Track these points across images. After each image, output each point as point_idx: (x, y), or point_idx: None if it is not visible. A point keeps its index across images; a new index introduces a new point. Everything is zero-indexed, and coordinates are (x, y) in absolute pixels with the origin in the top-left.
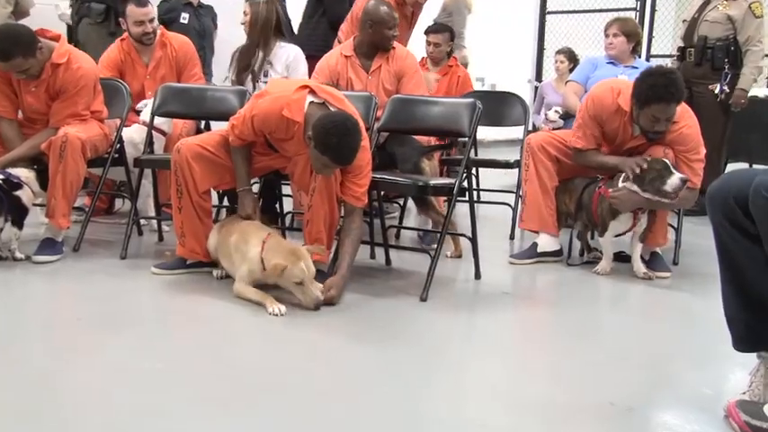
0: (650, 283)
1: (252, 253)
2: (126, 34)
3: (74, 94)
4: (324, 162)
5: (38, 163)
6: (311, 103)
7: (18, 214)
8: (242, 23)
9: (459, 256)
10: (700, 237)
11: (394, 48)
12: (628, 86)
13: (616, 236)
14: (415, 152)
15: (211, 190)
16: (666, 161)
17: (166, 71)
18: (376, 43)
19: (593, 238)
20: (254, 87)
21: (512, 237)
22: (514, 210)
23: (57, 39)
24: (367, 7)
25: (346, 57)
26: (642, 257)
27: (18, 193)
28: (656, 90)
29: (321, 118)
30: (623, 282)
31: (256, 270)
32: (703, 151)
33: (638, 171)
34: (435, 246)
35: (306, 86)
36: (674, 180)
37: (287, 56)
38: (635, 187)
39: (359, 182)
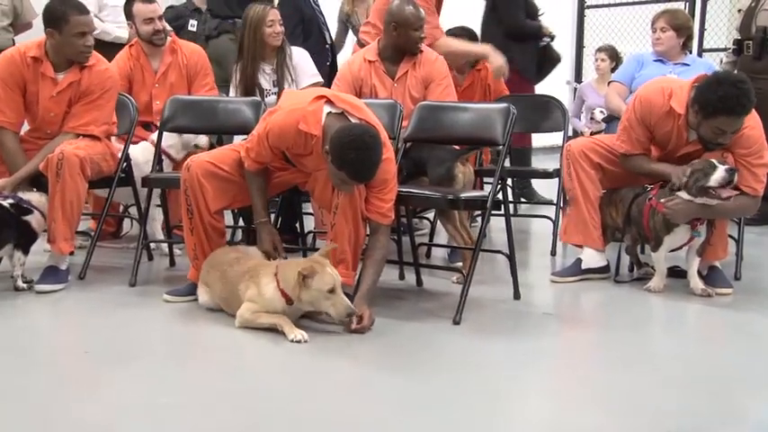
0: (709, 302)
1: (268, 292)
2: (135, 41)
3: (98, 98)
4: (341, 178)
5: (37, 185)
6: (329, 113)
7: (26, 239)
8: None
9: (460, 283)
10: (764, 249)
11: (422, 51)
12: (681, 87)
13: (671, 251)
14: (448, 156)
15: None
16: (712, 160)
17: (176, 79)
18: (401, 47)
19: (643, 251)
20: (264, 104)
21: (553, 253)
22: (555, 223)
23: None
24: (391, 8)
25: (370, 62)
26: (699, 273)
27: (28, 218)
28: (726, 102)
29: (338, 131)
30: (678, 300)
31: (278, 306)
32: (767, 155)
33: (684, 180)
34: (461, 263)
35: (322, 96)
36: (719, 173)
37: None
38: (686, 195)
39: (384, 197)
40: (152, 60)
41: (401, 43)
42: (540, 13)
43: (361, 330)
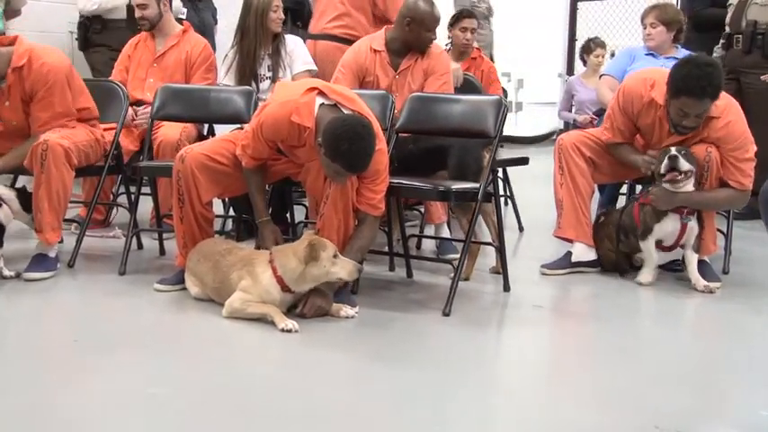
0: (698, 296)
1: (265, 280)
2: None
3: (46, 94)
4: (335, 169)
5: (20, 172)
6: (321, 105)
7: None
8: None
9: (467, 279)
10: (752, 243)
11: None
12: (664, 77)
13: (667, 248)
14: (473, 144)
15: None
16: (670, 148)
17: (173, 63)
18: (410, 43)
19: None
20: (258, 92)
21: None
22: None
23: (13, 42)
24: (408, 2)
25: (375, 51)
26: (687, 267)
27: None
28: (687, 82)
29: (331, 122)
30: (667, 293)
31: (275, 294)
32: (753, 149)
33: (652, 168)
34: (452, 255)
35: (314, 88)
36: (664, 162)
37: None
38: (664, 185)
39: (375, 188)
40: (157, 41)
41: (411, 40)
42: (728, 3)
43: (303, 315)
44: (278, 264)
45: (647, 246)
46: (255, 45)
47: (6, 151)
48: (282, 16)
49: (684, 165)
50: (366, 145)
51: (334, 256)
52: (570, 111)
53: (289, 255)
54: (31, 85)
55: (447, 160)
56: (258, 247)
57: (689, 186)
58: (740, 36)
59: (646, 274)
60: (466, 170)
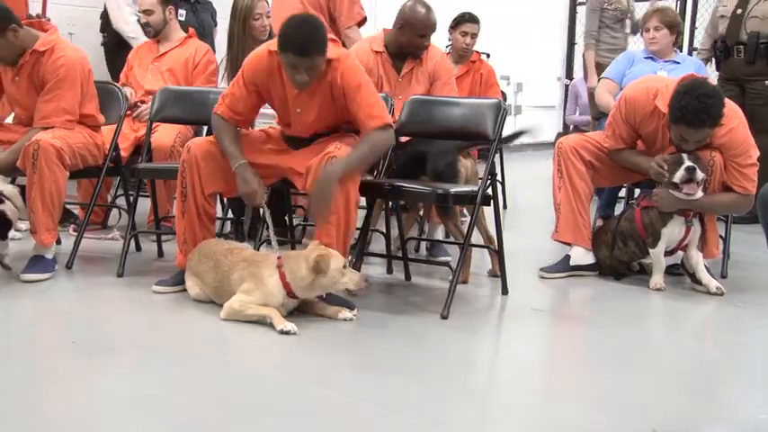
0: (697, 298)
1: (270, 283)
2: None
3: (55, 87)
4: (290, 61)
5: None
6: None
7: (1, 227)
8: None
9: (465, 282)
10: (750, 247)
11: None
12: (667, 86)
13: (671, 252)
14: (449, 148)
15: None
16: (682, 155)
17: (172, 63)
18: (403, 46)
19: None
20: None
21: None
22: None
23: (46, 30)
24: (404, 4)
25: (377, 53)
26: (687, 271)
27: (0, 207)
28: (685, 113)
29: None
30: (666, 297)
31: (279, 297)
32: (755, 154)
33: (663, 171)
34: (444, 257)
35: None
36: (680, 172)
37: None
38: (677, 193)
39: (369, 101)
40: (160, 46)
41: (403, 42)
42: (720, 15)
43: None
44: (287, 270)
45: (657, 252)
46: (238, 52)
47: (14, 142)
48: (266, 23)
49: (700, 175)
50: (309, 28)
51: (344, 267)
52: (575, 112)
53: (300, 262)
54: (44, 74)
55: (426, 166)
56: (258, 241)
57: (699, 193)
58: (741, 46)
59: (658, 278)
60: (441, 175)
